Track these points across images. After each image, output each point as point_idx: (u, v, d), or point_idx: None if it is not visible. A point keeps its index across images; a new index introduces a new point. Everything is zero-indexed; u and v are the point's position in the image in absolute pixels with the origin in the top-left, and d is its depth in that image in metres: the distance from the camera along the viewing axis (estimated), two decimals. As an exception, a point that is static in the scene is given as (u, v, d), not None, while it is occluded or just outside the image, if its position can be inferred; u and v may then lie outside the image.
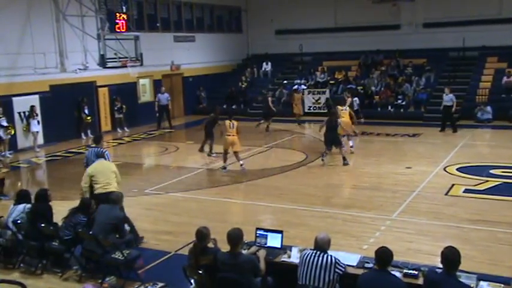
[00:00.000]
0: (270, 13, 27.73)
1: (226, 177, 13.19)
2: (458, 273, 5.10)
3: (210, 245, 6.19)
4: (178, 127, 22.00)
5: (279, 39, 27.87)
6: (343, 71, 24.69)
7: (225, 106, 22.99)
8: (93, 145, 10.04)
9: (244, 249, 6.26)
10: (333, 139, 13.88)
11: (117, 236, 7.29)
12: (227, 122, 13.35)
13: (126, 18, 19.31)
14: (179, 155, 16.67)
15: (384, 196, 10.96)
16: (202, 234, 6.09)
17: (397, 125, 20.13)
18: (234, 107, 24.11)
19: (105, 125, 20.85)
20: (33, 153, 17.04)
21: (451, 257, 4.99)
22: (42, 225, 7.59)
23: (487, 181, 11.79)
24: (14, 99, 17.12)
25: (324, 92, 23.19)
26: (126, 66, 19.28)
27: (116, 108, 20.78)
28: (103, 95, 20.70)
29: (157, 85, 22.78)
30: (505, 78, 21.29)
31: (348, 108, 15.71)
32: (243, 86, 25.99)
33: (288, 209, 10.31)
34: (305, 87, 23.78)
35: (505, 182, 11.71)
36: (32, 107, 17.30)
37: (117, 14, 19.27)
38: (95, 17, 19.55)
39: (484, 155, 14.98)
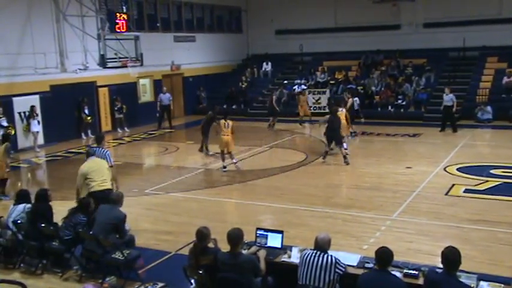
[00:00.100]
0: (270, 13, 27.72)
1: (226, 177, 13.20)
2: (458, 273, 5.10)
3: (211, 245, 6.19)
4: (178, 127, 22.00)
5: (279, 39, 27.87)
6: (344, 71, 24.67)
7: (225, 106, 23.02)
8: (95, 145, 10.01)
9: (245, 249, 6.25)
10: (333, 137, 13.97)
11: (118, 236, 7.28)
12: (222, 121, 13.51)
13: (126, 18, 19.26)
14: (179, 155, 16.67)
15: (384, 196, 10.95)
16: (202, 234, 6.09)
17: (397, 125, 20.11)
18: (234, 107, 24.16)
19: (105, 125, 20.85)
20: (33, 153, 17.05)
21: (451, 257, 4.99)
22: (42, 225, 7.58)
23: (487, 181, 11.79)
24: (14, 99, 17.13)
25: (324, 92, 23.16)
26: (126, 66, 19.24)
27: (116, 108, 20.79)
28: (103, 95, 20.72)
29: (157, 85, 22.82)
30: (505, 78, 21.28)
31: (343, 109, 15.65)
32: (243, 86, 26.00)
33: (288, 209, 10.31)
34: (305, 87, 23.76)
35: (505, 182, 11.71)
36: (32, 107, 17.30)
37: (117, 14, 19.23)
38: (95, 17, 19.52)
39: (484, 155, 14.97)
